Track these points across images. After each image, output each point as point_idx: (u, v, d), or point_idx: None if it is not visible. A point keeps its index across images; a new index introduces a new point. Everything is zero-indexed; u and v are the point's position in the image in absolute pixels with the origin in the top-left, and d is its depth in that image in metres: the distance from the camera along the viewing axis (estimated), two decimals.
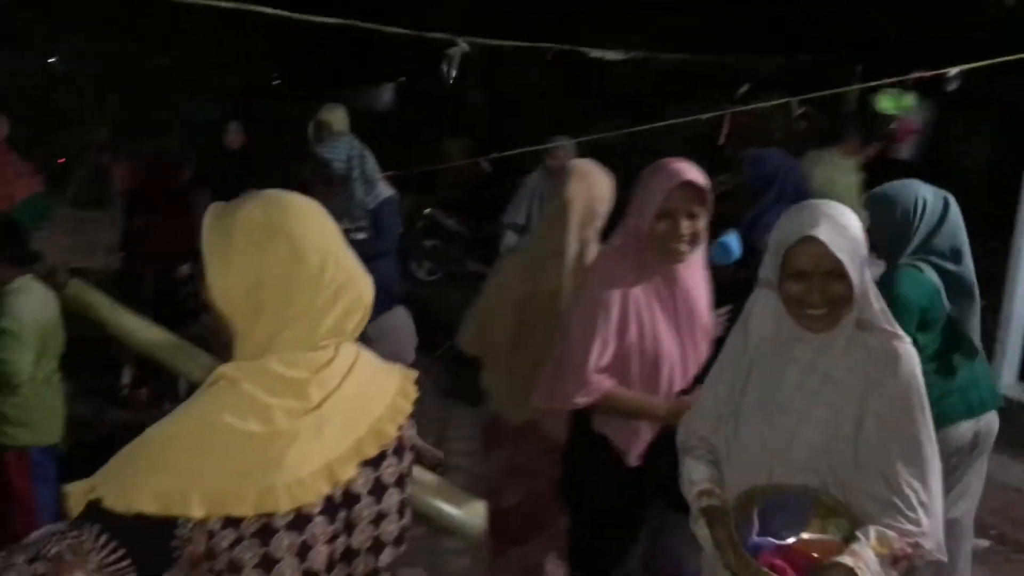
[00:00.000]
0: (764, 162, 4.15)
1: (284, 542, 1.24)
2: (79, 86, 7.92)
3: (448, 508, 3.22)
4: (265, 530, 1.22)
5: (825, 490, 1.83)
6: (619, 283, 2.38)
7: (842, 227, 1.79)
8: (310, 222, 1.30)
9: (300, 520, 1.25)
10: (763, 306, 1.95)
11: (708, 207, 2.35)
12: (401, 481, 1.40)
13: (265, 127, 8.11)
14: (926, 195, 2.74)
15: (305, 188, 1.42)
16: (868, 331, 1.87)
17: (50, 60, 8.17)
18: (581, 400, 2.41)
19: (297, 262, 1.25)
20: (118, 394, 5.07)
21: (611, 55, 5.82)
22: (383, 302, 4.46)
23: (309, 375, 1.26)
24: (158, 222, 5.12)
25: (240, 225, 1.26)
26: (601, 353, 2.38)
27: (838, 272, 1.78)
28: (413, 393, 1.42)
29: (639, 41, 6.46)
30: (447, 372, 5.71)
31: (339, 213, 4.36)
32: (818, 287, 1.80)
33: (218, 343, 1.39)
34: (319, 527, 1.27)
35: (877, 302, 1.87)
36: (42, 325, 3.08)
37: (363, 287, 1.34)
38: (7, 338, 2.99)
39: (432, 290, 7.87)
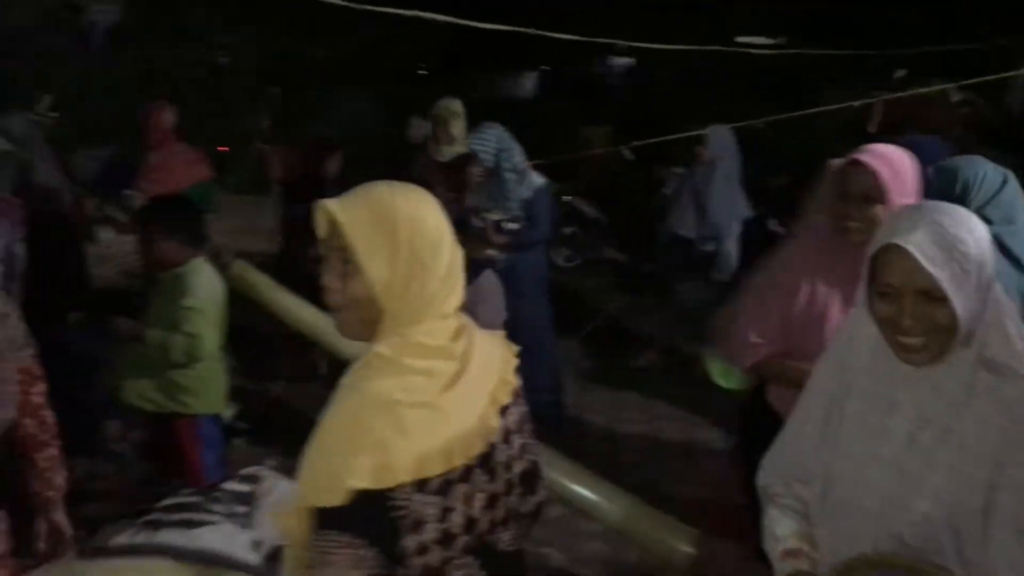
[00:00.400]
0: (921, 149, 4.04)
1: (459, 492, 1.37)
2: (242, 78, 8.36)
3: (584, 492, 3.31)
4: (446, 484, 1.35)
5: (945, 570, 1.49)
6: (796, 263, 2.50)
7: (950, 238, 1.45)
8: (437, 210, 1.44)
9: (466, 471, 1.38)
10: (858, 329, 1.63)
11: (885, 192, 2.27)
12: (521, 425, 1.53)
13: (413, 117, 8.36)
14: (987, 170, 2.77)
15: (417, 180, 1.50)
16: (1001, 375, 1.49)
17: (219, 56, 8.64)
18: (742, 362, 2.60)
19: (436, 247, 1.39)
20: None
21: (760, 42, 5.69)
22: (532, 288, 4.59)
23: (448, 342, 1.40)
24: (311, 209, 5.34)
25: (403, 218, 1.37)
26: (763, 323, 2.53)
27: (936, 294, 1.44)
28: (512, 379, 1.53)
29: (791, 27, 6.28)
30: (586, 355, 5.85)
31: (486, 203, 4.52)
32: (909, 310, 1.47)
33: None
34: (478, 475, 1.40)
35: (1020, 340, 1.50)
36: (215, 303, 3.31)
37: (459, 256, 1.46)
38: (194, 314, 3.23)
39: (569, 276, 7.94)
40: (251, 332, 4.42)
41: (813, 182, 2.69)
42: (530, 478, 1.55)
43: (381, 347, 1.37)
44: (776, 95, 7.56)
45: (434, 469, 1.33)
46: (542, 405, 4.45)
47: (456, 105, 5.04)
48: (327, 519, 1.29)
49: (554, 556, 3.75)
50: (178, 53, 7.90)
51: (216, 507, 2.26)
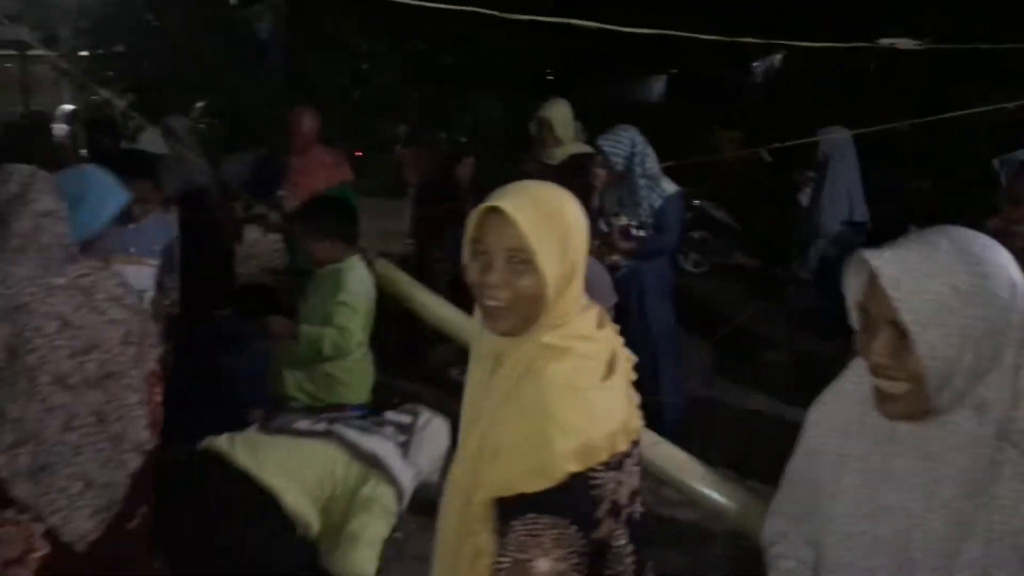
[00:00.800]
0: None
1: (628, 465, 1.46)
2: (382, 84, 8.69)
3: (710, 493, 3.31)
4: (622, 458, 1.43)
5: None
6: None
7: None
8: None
9: (619, 458, 1.43)
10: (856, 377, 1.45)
11: None
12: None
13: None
14: None
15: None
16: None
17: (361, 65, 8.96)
18: None
19: (585, 243, 1.48)
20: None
21: (903, 44, 5.52)
22: (657, 295, 4.57)
23: (596, 330, 1.48)
24: (442, 212, 5.48)
25: (569, 217, 1.45)
26: None
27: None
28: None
29: (935, 28, 6.05)
30: (715, 361, 5.82)
31: (615, 207, 4.54)
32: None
33: None
34: (629, 462, 1.47)
35: None
36: (367, 299, 3.49)
37: None
38: (346, 309, 3.43)
39: (697, 281, 7.87)
40: (389, 329, 4.62)
41: (963, 186, 2.65)
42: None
43: (549, 338, 1.44)
44: (921, 97, 7.29)
45: (621, 446, 1.41)
46: (667, 411, 4.46)
47: (560, 107, 5.08)
48: (533, 503, 1.34)
49: (679, 559, 3.76)
50: (323, 60, 8.27)
51: (383, 430, 2.77)
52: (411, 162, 6.26)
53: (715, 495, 3.28)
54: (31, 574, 1.93)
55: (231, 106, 7.86)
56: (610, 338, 1.51)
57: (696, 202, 8.53)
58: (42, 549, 1.95)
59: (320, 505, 2.64)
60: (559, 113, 5.05)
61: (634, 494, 1.52)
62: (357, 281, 3.46)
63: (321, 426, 2.83)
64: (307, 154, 5.45)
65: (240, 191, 5.91)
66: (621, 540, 1.47)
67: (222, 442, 2.67)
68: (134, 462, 2.07)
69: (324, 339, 3.39)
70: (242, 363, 4.12)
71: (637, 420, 1.50)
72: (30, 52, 6.88)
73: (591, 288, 1.55)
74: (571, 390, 1.39)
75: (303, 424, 2.86)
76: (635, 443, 1.50)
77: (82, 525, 1.99)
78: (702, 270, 8.48)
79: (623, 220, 4.61)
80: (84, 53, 9.38)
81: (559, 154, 4.92)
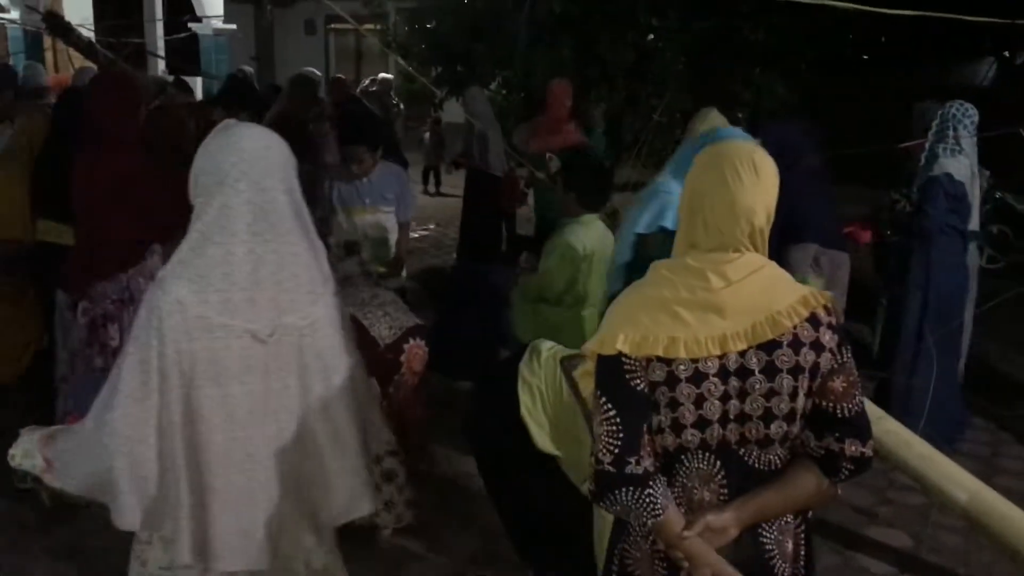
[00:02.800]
0: None
1: (684, 390, 1.72)
2: (668, 59, 8.84)
3: (934, 479, 3.28)
4: (671, 378, 1.71)
5: None
6: None
7: None
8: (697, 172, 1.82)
9: (697, 375, 1.71)
10: None
11: None
12: (795, 371, 1.71)
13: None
14: None
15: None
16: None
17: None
18: None
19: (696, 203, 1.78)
20: None
21: None
22: (919, 278, 4.48)
23: (707, 267, 1.72)
24: None
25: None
26: None
27: None
28: (816, 305, 1.73)
29: None
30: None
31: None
32: None
33: None
34: (712, 384, 1.71)
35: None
36: (587, 256, 3.78)
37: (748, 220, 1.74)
38: (555, 256, 3.81)
39: (984, 276, 7.30)
40: None
41: None
42: (827, 419, 1.74)
43: (659, 262, 1.82)
44: None
45: (654, 351, 1.70)
46: (938, 408, 4.37)
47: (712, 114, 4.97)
48: (597, 378, 1.78)
49: (900, 538, 3.74)
50: (612, 37, 8.58)
51: None
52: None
53: (939, 479, 3.25)
54: None
55: (525, 79, 8.41)
56: (745, 281, 1.73)
57: (998, 194, 7.90)
58: None
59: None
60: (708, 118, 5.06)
61: (739, 434, 1.75)
62: (580, 234, 3.79)
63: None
64: (558, 120, 6.02)
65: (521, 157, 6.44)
66: (696, 463, 1.78)
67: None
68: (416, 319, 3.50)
69: (532, 281, 3.85)
70: (500, 308, 4.65)
71: (702, 348, 1.71)
72: (364, 26, 7.83)
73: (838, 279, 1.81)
74: (639, 294, 1.83)
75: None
76: (722, 378, 1.72)
77: (383, 332, 3.35)
78: (996, 266, 7.86)
79: (895, 195, 4.64)
80: (406, 28, 10.38)
81: None
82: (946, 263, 4.52)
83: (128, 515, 1.93)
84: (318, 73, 6.68)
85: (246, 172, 1.87)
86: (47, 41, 9.92)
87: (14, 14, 9.77)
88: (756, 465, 1.77)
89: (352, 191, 4.34)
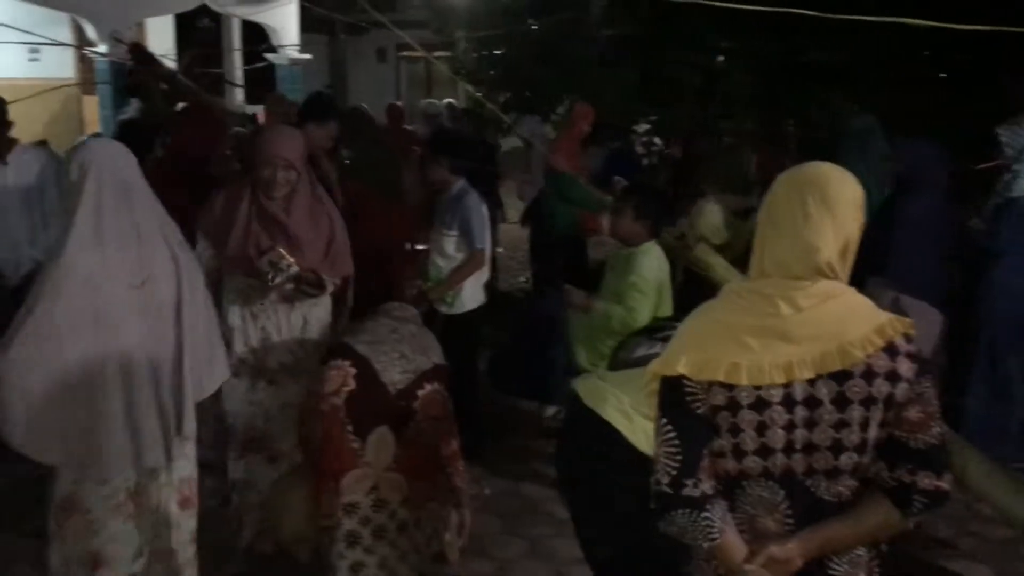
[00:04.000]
0: None
1: (745, 417, 1.70)
2: (737, 81, 8.77)
3: (1019, 512, 3.15)
4: (732, 403, 1.70)
5: None
6: None
7: None
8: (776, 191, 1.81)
9: (760, 403, 1.69)
10: None
11: None
12: (868, 402, 1.67)
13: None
14: None
15: None
16: None
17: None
18: None
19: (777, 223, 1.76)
20: None
21: None
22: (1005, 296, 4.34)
23: (777, 292, 1.69)
24: None
25: None
26: None
27: None
28: (893, 334, 1.68)
29: None
30: None
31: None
32: None
33: None
34: (775, 412, 1.69)
35: None
36: (659, 283, 3.79)
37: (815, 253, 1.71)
38: (635, 292, 3.80)
39: None
40: None
41: None
42: (900, 450, 1.69)
43: (730, 284, 1.84)
44: None
45: (715, 375, 1.69)
46: (1019, 435, 4.21)
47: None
48: (659, 399, 1.78)
49: (983, 572, 3.60)
50: (678, 58, 8.56)
51: None
52: (757, 158, 6.39)
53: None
54: (341, 402, 2.94)
55: (591, 103, 8.43)
56: (817, 309, 1.70)
57: None
58: (351, 386, 2.97)
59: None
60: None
61: (807, 464, 1.71)
62: (648, 264, 3.79)
63: (657, 348, 3.18)
64: (574, 141, 6.25)
65: (594, 180, 6.45)
66: (758, 491, 1.76)
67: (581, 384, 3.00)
68: (435, 360, 3.19)
69: (613, 316, 3.79)
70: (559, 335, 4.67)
71: (766, 376, 1.69)
72: (434, 54, 7.98)
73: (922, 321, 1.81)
74: (705, 318, 1.84)
75: (641, 351, 3.28)
76: (786, 406, 1.69)
77: (395, 376, 3.06)
78: None
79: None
80: (475, 55, 10.52)
81: None
82: (1016, 285, 4.35)
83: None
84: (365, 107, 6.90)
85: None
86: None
87: (101, 47, 10.17)
88: (824, 496, 1.73)
89: (435, 212, 4.55)
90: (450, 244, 4.51)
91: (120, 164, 2.71)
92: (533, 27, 9.13)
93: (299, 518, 3.07)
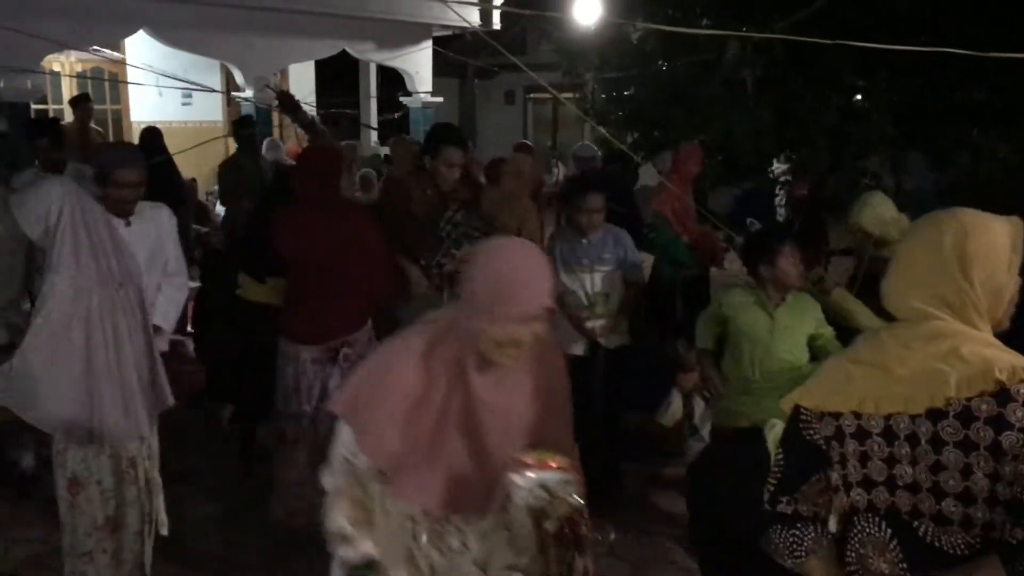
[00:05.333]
0: None
1: (849, 446, 1.75)
2: (874, 120, 8.51)
3: None
4: (839, 433, 1.75)
5: None
6: None
7: None
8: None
9: (861, 432, 1.73)
10: None
11: None
12: (966, 446, 1.62)
13: None
14: None
15: None
16: None
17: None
18: None
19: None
20: None
21: None
22: None
23: (890, 330, 1.76)
24: None
25: None
26: None
27: None
28: (1009, 380, 1.60)
29: None
30: None
31: None
32: None
33: None
34: (875, 444, 1.71)
35: None
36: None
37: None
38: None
39: None
40: None
41: None
42: (1017, 506, 1.59)
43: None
44: None
45: (829, 406, 1.75)
46: None
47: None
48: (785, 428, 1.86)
49: None
50: (814, 98, 8.37)
51: None
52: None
53: None
54: None
55: (723, 143, 8.36)
56: (923, 350, 1.71)
57: None
58: None
59: None
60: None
61: (911, 504, 1.69)
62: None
63: None
64: (681, 183, 6.01)
65: (724, 220, 6.36)
66: (868, 528, 1.75)
67: None
68: None
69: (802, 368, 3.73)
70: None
71: (883, 404, 1.70)
72: (557, 95, 8.12)
73: None
74: (837, 360, 1.92)
75: None
76: (887, 439, 1.71)
77: None
78: None
79: None
80: (603, 96, 10.60)
81: None
82: None
83: None
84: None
85: None
86: (275, 117, 10.87)
87: (247, 92, 10.77)
88: (936, 544, 1.67)
89: (572, 251, 4.63)
90: (613, 277, 4.63)
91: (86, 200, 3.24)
92: (663, 68, 9.13)
93: None
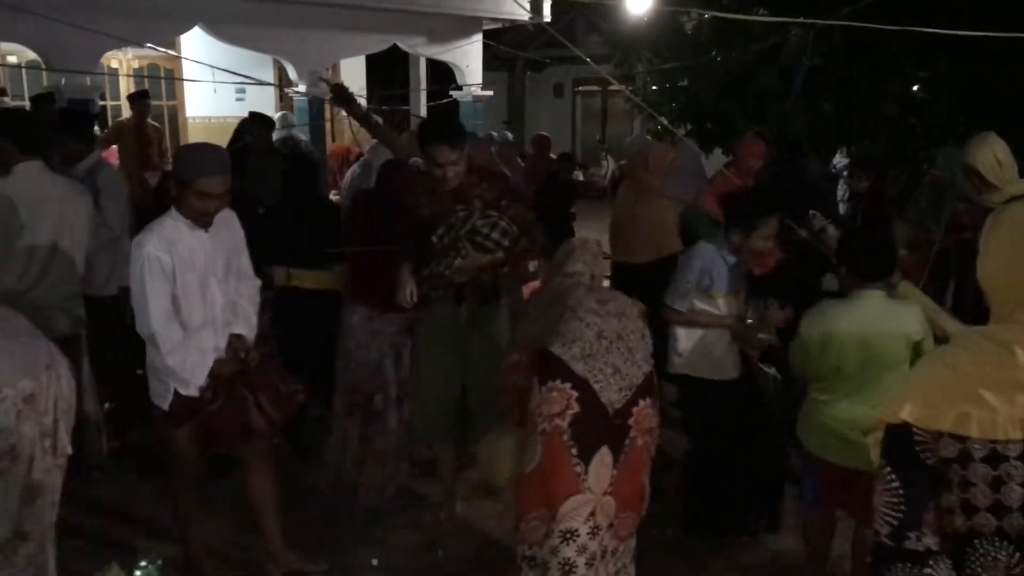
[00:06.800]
0: None
1: (979, 471, 1.59)
2: (933, 110, 8.27)
3: None
4: (964, 456, 1.59)
5: None
6: None
7: None
8: None
9: (994, 456, 1.58)
10: None
11: None
12: None
13: None
14: None
15: None
16: None
17: None
18: None
19: None
20: None
21: None
22: None
23: (1015, 339, 1.58)
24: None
25: None
26: None
27: None
28: None
29: None
30: None
31: None
32: None
33: None
34: (1013, 468, 1.57)
35: None
36: (858, 335, 3.47)
37: None
38: (801, 342, 3.60)
39: None
40: None
41: None
42: None
43: (960, 330, 1.85)
44: None
45: (942, 426, 1.59)
46: None
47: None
48: (883, 446, 1.69)
49: None
50: (874, 88, 8.15)
51: None
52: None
53: None
54: (566, 424, 3.06)
55: (779, 134, 8.19)
56: None
57: None
58: (575, 409, 3.06)
59: None
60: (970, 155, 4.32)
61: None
62: (842, 314, 3.56)
63: None
64: (745, 178, 5.84)
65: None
66: (995, 553, 1.63)
67: None
68: (645, 368, 3.28)
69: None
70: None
71: (999, 430, 1.58)
72: (610, 88, 8.01)
73: None
74: (933, 364, 1.75)
75: None
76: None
77: (612, 396, 3.14)
78: None
79: None
80: (654, 88, 10.47)
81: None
82: None
83: None
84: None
85: None
86: (327, 112, 10.94)
87: (301, 86, 10.87)
88: None
89: (725, 274, 4.19)
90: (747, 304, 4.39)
91: None
92: (717, 59, 8.98)
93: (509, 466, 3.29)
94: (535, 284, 6.37)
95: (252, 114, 8.68)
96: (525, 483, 3.13)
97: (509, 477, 3.34)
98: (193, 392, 3.62)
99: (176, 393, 3.62)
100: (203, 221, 3.60)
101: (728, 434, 4.25)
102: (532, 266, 4.56)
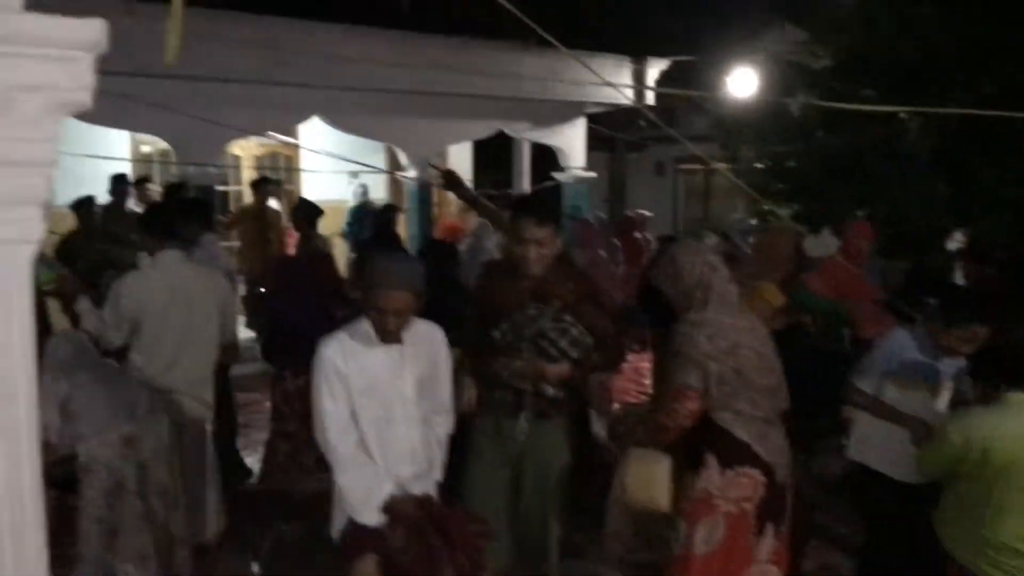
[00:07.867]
0: None
1: None
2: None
3: None
4: None
5: None
6: None
7: None
8: None
9: None
10: None
11: None
12: None
13: None
14: None
15: None
16: None
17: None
18: None
19: None
20: None
21: None
22: None
23: None
24: None
25: None
26: None
27: None
28: None
29: None
30: None
31: None
32: None
33: None
34: None
35: None
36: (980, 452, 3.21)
37: None
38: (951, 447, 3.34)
39: None
40: None
41: None
42: None
43: None
44: None
45: None
46: None
47: None
48: None
49: None
50: (994, 172, 7.92)
51: None
52: None
53: None
54: (755, 508, 3.19)
55: (892, 216, 8.03)
56: None
57: None
58: (762, 493, 3.21)
59: None
60: None
61: None
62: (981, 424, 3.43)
63: None
64: (850, 261, 5.85)
65: (890, 294, 6.10)
66: None
67: None
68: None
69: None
70: None
71: None
72: (712, 166, 8.05)
73: None
74: None
75: None
76: None
77: (784, 475, 3.29)
78: None
79: None
80: (758, 165, 10.43)
81: None
82: None
83: None
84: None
85: None
86: (434, 194, 11.30)
87: (411, 171, 11.26)
88: None
89: (924, 365, 3.92)
90: (944, 399, 4.04)
91: None
92: (825, 141, 8.91)
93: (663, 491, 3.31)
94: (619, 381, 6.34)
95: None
96: (704, 562, 3.18)
97: (668, 502, 3.36)
98: (369, 521, 3.23)
99: (351, 521, 3.27)
100: (385, 337, 3.26)
101: (905, 535, 3.89)
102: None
